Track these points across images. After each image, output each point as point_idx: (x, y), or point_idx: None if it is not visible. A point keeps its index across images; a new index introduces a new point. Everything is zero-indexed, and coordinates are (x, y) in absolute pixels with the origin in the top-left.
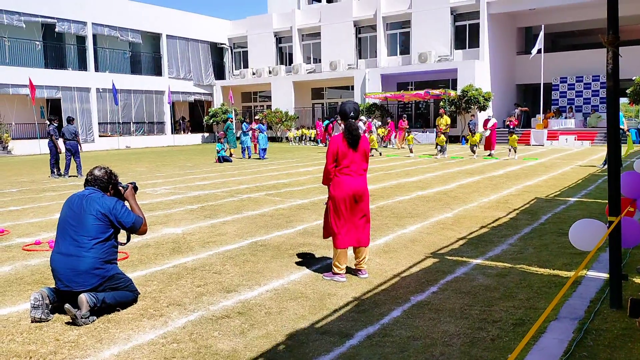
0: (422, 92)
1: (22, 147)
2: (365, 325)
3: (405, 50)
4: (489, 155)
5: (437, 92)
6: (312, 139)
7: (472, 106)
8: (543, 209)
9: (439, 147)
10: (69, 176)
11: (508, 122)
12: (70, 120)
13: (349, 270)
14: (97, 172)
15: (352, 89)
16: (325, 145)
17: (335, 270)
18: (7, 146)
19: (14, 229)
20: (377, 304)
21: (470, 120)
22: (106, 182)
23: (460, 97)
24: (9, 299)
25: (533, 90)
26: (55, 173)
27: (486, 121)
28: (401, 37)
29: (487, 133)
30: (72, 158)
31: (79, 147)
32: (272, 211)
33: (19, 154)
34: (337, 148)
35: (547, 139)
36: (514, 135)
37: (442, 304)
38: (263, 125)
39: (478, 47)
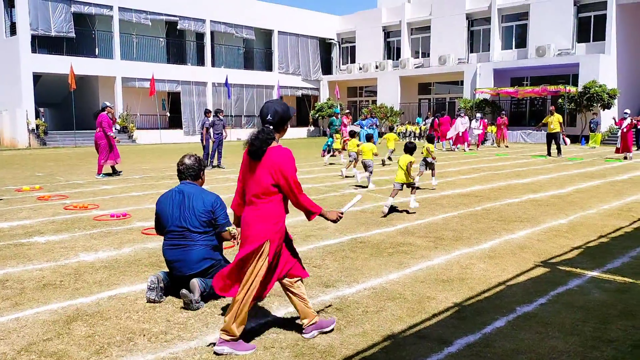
0: (538, 88)
1: (146, 136)
2: (465, 333)
3: (522, 43)
4: (624, 158)
5: (555, 88)
6: (416, 134)
7: (594, 104)
8: None
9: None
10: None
11: (635, 122)
12: (206, 113)
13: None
14: (187, 161)
15: (462, 84)
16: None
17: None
18: (132, 135)
19: (135, 213)
20: (480, 311)
21: (592, 119)
22: (197, 170)
23: (581, 93)
24: (128, 278)
25: None
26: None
27: (621, 120)
28: (517, 30)
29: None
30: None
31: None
32: (373, 208)
33: (142, 142)
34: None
35: None
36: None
37: (551, 317)
38: (374, 119)
39: (604, 40)
